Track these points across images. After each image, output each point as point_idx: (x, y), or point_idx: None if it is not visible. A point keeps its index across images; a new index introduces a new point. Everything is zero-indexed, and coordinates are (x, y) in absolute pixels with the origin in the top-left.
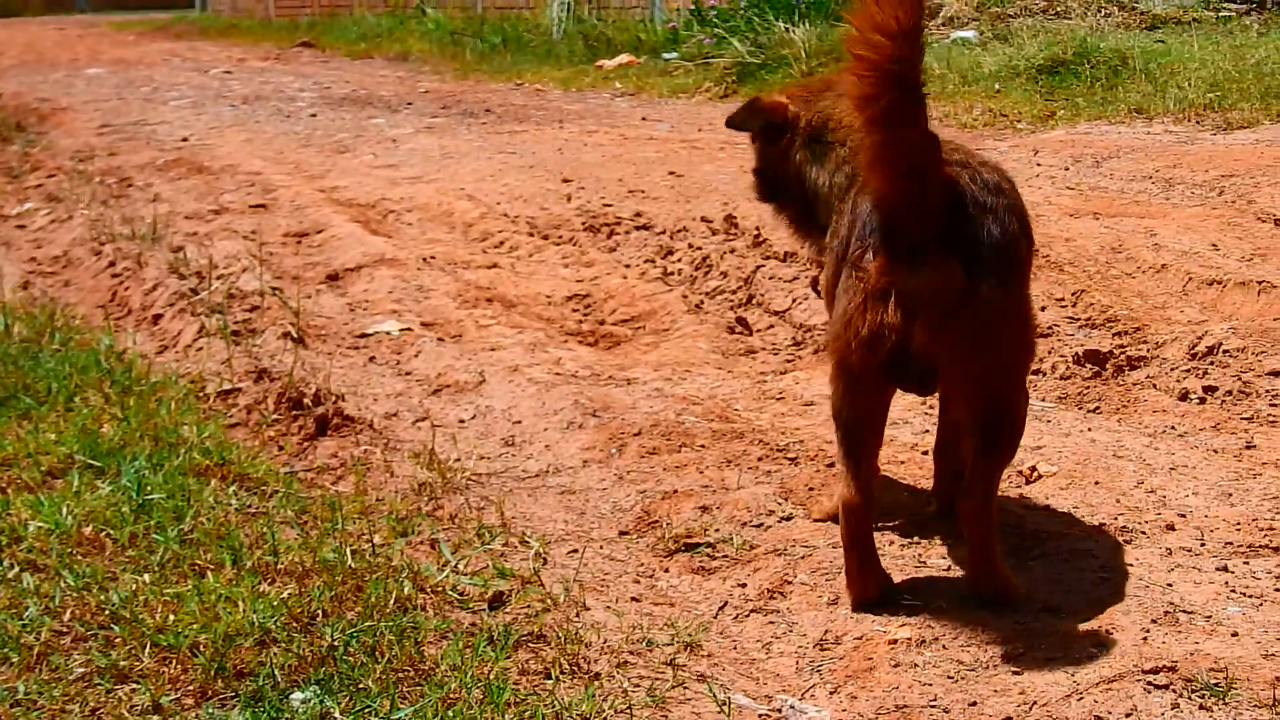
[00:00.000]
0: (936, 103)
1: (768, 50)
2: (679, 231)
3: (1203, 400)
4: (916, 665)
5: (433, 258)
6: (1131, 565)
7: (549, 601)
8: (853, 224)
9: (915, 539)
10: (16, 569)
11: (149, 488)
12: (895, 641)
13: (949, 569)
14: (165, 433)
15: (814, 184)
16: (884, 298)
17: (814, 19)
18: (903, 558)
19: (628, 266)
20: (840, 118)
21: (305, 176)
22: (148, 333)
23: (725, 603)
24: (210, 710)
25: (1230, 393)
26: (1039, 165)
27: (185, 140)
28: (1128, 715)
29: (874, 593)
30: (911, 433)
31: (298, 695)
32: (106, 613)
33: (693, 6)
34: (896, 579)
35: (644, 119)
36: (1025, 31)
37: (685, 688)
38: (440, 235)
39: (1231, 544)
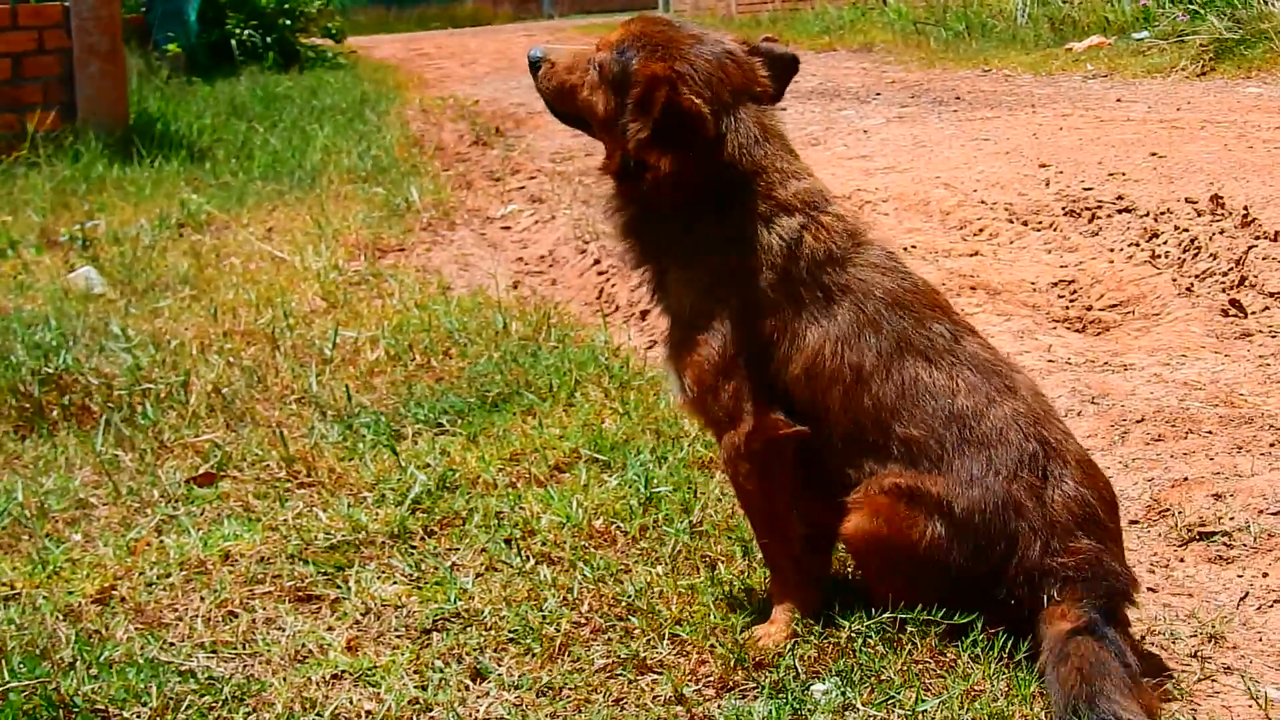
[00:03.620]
0: None
1: (1246, 25)
2: (1163, 214)
3: None
4: None
5: (913, 247)
6: None
7: None
8: None
9: None
10: (533, 561)
11: (655, 481)
12: None
13: None
14: (666, 426)
15: None
16: None
17: None
18: None
19: (1112, 250)
20: None
21: None
22: (637, 328)
23: (1247, 593)
24: (732, 701)
25: None
26: None
27: None
28: None
29: None
30: None
31: (819, 687)
32: (623, 604)
33: None
34: None
35: (1119, 100)
36: None
37: (1213, 680)
38: (918, 224)
39: None
